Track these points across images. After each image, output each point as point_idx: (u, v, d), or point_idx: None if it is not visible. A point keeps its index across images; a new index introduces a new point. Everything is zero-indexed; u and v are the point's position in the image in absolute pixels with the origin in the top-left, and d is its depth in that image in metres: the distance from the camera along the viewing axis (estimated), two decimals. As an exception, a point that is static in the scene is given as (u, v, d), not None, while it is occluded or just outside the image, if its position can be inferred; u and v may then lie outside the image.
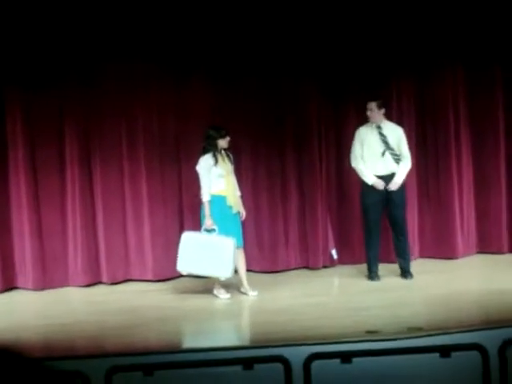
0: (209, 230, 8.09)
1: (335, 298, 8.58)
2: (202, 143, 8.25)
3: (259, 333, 7.15)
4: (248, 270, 8.58)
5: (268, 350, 5.00)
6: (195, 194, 8.45)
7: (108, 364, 4.65)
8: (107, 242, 9.13)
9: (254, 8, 9.11)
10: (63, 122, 9.01)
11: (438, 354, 4.78)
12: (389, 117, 8.92)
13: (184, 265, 8.19)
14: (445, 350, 4.77)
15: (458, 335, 5.04)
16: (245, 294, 8.35)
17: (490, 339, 4.80)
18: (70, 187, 9.03)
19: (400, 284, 8.63)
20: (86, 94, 9.01)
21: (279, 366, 4.65)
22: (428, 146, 9.78)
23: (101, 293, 8.86)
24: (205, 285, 8.51)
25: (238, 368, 4.68)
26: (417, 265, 9.28)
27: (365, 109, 8.74)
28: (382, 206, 8.71)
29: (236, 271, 8.27)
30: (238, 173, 8.69)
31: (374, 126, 8.73)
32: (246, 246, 8.66)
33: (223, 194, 8.16)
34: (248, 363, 4.67)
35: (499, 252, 9.83)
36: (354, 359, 4.73)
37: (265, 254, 9.49)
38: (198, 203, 8.38)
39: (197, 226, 8.40)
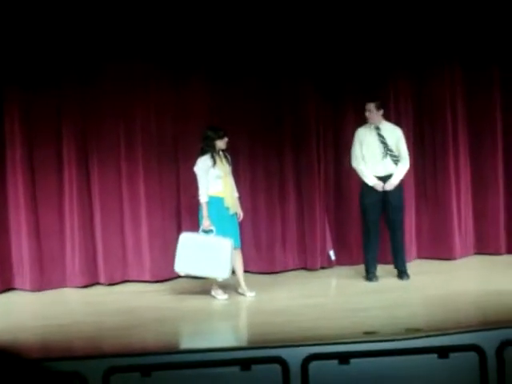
0: (206, 231, 8.09)
1: (333, 298, 8.58)
2: (200, 144, 8.25)
3: (257, 334, 7.15)
4: (245, 271, 8.58)
5: (266, 351, 5.01)
6: (193, 194, 8.44)
7: (106, 365, 4.65)
8: (105, 242, 9.12)
9: (252, 9, 9.10)
10: (61, 123, 9.01)
11: (435, 355, 4.79)
12: (387, 117, 8.91)
13: (182, 265, 8.18)
14: (443, 351, 4.78)
15: (456, 336, 5.04)
16: (242, 294, 8.35)
17: (488, 340, 4.80)
18: (68, 188, 9.03)
19: (398, 285, 8.62)
20: (84, 94, 9.00)
21: (277, 367, 4.66)
22: (426, 146, 9.77)
23: (98, 294, 8.85)
24: (202, 286, 8.50)
25: (235, 369, 4.68)
26: (414, 265, 9.27)
27: (363, 109, 8.73)
28: (381, 207, 8.71)
29: (234, 272, 8.27)
30: (236, 173, 8.69)
31: (372, 127, 8.72)
32: (244, 247, 8.66)
33: (221, 195, 8.16)
34: (246, 364, 4.67)
35: (497, 253, 9.81)
36: (352, 360, 4.73)
37: (262, 254, 9.48)
38: (195, 204, 8.37)
39: (195, 226, 8.39)
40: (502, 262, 9.56)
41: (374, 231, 8.77)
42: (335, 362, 4.71)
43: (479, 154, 9.89)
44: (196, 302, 8.18)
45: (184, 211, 9.23)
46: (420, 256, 9.81)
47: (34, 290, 8.95)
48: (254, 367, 4.66)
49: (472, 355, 4.71)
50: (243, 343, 7.18)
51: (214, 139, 8.18)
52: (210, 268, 8.03)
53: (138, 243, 9.21)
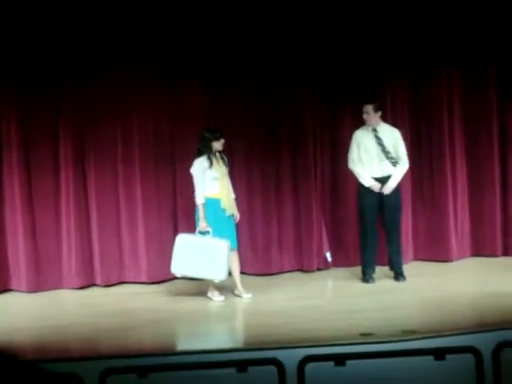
0: (203, 233, 8.09)
1: (329, 300, 8.58)
2: (197, 145, 8.25)
3: (253, 335, 7.14)
4: (242, 273, 8.58)
5: (262, 353, 4.99)
6: (189, 196, 8.43)
7: (102, 366, 4.64)
8: (101, 244, 9.12)
9: (251, 10, 9.10)
10: (58, 124, 9.00)
11: (432, 357, 4.78)
12: (383, 118, 8.90)
13: (178, 267, 8.18)
14: (439, 353, 4.77)
15: (453, 338, 5.04)
16: (239, 296, 8.35)
17: (484, 342, 4.79)
18: (64, 189, 9.02)
19: (394, 287, 8.63)
20: (81, 95, 9.00)
21: (273, 369, 4.65)
22: (422, 147, 9.78)
23: (95, 295, 8.84)
24: (199, 287, 8.50)
25: (231, 370, 4.67)
26: (411, 267, 9.28)
27: (360, 111, 8.73)
28: (378, 208, 8.71)
29: (230, 273, 8.26)
30: (233, 175, 8.69)
31: (370, 129, 8.72)
32: (240, 249, 8.65)
33: (217, 196, 8.15)
34: (242, 366, 4.66)
35: (493, 255, 9.82)
36: (348, 362, 4.73)
37: (259, 256, 9.48)
38: (192, 206, 8.37)
39: (191, 228, 8.39)
40: (498, 263, 9.57)
41: (370, 233, 8.77)
42: (331, 363, 4.70)
43: (476, 156, 9.90)
44: (192, 304, 8.18)
45: (180, 213, 9.23)
46: (416, 258, 9.81)
47: (31, 292, 8.94)
48: (251, 369, 4.65)
49: (468, 357, 4.71)
50: (239, 345, 7.19)
51: (210, 140, 8.18)
52: (207, 269, 8.03)
53: (134, 244, 9.20)
